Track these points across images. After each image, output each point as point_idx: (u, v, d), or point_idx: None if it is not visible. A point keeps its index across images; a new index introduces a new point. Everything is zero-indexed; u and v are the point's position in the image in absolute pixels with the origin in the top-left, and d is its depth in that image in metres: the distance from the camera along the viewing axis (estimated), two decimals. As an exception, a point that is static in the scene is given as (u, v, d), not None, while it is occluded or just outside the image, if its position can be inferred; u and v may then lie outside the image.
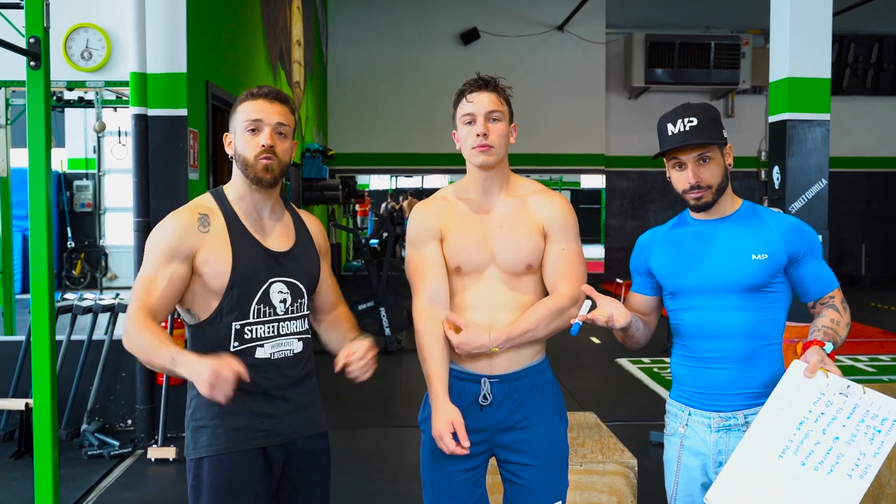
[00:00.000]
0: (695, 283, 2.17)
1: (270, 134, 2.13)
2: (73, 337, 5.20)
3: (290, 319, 2.19)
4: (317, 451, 2.26)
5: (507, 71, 2.53)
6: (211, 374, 1.86)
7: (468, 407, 2.23)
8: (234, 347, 2.10)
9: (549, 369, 2.33)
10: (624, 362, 7.61)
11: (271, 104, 2.16)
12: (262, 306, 2.13)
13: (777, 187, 5.74)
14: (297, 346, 2.20)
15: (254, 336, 2.13)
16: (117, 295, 5.67)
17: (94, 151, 8.91)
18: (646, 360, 7.63)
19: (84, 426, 5.06)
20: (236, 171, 2.19)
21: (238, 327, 2.11)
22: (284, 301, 2.17)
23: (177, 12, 5.13)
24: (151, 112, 5.11)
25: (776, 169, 5.75)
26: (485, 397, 2.24)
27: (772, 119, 5.81)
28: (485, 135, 2.19)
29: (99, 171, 8.74)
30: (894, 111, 14.75)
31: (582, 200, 15.26)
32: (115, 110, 7.02)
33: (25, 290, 6.73)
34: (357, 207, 16.77)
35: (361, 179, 17.41)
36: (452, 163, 12.66)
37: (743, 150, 13.71)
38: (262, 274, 2.14)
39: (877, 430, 1.92)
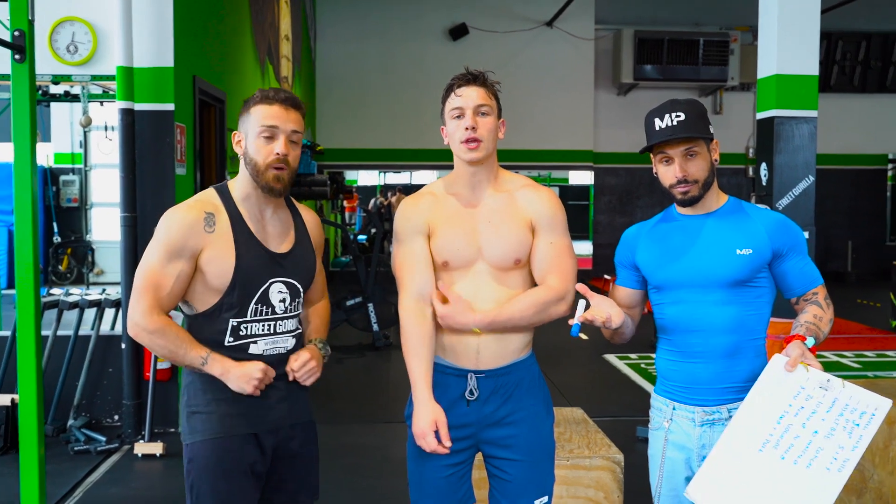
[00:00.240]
0: (679, 277, 2.18)
1: (285, 142, 2.16)
2: (60, 332, 5.17)
3: (287, 318, 2.25)
4: (305, 438, 2.32)
5: (495, 66, 2.54)
6: (262, 372, 2.14)
7: (454, 402, 2.23)
8: (227, 342, 2.16)
9: (536, 364, 2.34)
10: (611, 358, 7.63)
11: (287, 111, 2.17)
12: (260, 305, 2.19)
13: (764, 184, 5.76)
14: (290, 343, 2.26)
15: (249, 333, 2.18)
16: (104, 290, 5.65)
17: (81, 146, 8.85)
18: (633, 355, 7.65)
19: (70, 422, 5.04)
20: (244, 171, 2.22)
21: (234, 324, 2.16)
22: (283, 301, 2.23)
23: (163, 6, 5.10)
24: (138, 106, 5.08)
25: (763, 165, 5.77)
26: (471, 392, 2.24)
27: (760, 116, 5.83)
28: (473, 128, 2.18)
29: (85, 165, 8.68)
30: (881, 109, 14.84)
31: (570, 197, 15.24)
32: (102, 105, 6.98)
33: (11, 285, 6.69)
34: (345, 203, 16.73)
35: (350, 175, 17.35)
36: (441, 159, 12.63)
37: (731, 146, 13.81)
38: (263, 275, 2.19)
39: (855, 423, 1.93)
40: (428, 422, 2.16)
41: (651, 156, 2.21)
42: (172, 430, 5.15)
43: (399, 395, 5.96)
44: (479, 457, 2.35)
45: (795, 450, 1.94)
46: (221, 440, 2.16)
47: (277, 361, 2.22)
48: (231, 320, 2.16)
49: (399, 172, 17.97)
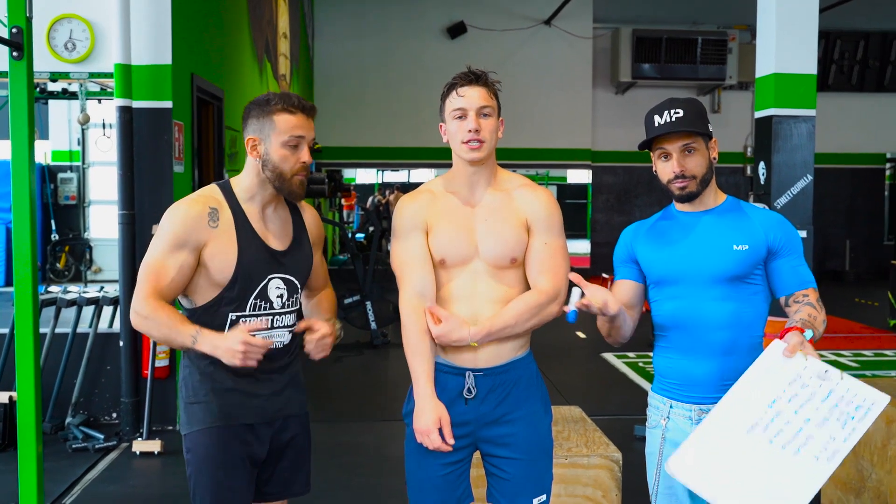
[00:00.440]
0: (676, 272, 2.19)
1: (308, 151, 2.23)
2: (58, 330, 5.17)
3: (284, 313, 2.29)
4: (299, 430, 2.38)
5: (494, 65, 2.53)
6: (242, 345, 2.04)
7: (452, 400, 2.23)
8: None
9: (534, 363, 2.34)
10: (609, 357, 7.64)
11: (308, 120, 2.25)
12: (259, 301, 2.24)
13: (763, 183, 5.77)
14: (287, 338, 2.32)
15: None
16: (102, 288, 5.65)
17: (79, 144, 8.83)
18: (631, 354, 7.66)
19: (68, 419, 5.04)
20: (253, 173, 2.25)
21: (234, 318, 2.21)
22: (281, 296, 2.28)
23: (161, 3, 5.10)
24: (136, 104, 5.08)
25: (762, 164, 5.78)
26: (469, 391, 2.24)
27: (758, 115, 5.83)
28: (476, 130, 2.19)
29: (83, 163, 8.67)
30: (879, 108, 14.84)
31: (568, 195, 15.28)
32: (100, 102, 6.98)
33: (9, 282, 6.69)
34: (343, 201, 16.74)
35: (348, 173, 17.37)
36: (439, 157, 12.66)
37: (729, 145, 13.80)
38: (262, 270, 2.23)
39: (850, 416, 1.91)
40: (432, 420, 2.16)
41: (651, 154, 2.22)
42: (171, 427, 5.15)
43: (397, 393, 5.96)
44: (477, 455, 2.35)
45: (784, 436, 1.91)
46: (220, 429, 2.21)
47: (274, 355, 2.27)
48: (231, 314, 2.21)
49: (397, 170, 17.98)
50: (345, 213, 17.37)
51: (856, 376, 2.02)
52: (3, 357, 5.05)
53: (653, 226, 2.31)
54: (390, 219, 2.47)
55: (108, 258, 8.35)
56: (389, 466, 4.39)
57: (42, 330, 4.31)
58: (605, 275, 11.80)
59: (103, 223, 8.52)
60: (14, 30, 3.55)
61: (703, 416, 2.16)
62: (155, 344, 4.97)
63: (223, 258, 2.17)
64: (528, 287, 2.27)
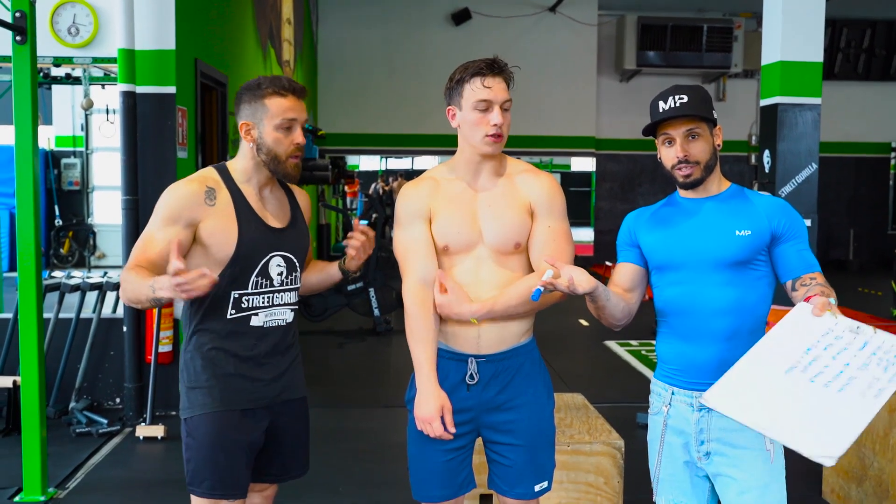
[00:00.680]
0: (678, 257, 2.18)
1: (301, 132, 2.26)
2: (61, 315, 5.18)
3: (284, 291, 2.33)
4: (297, 413, 2.41)
5: (498, 52, 2.52)
6: (173, 279, 1.90)
7: (455, 387, 2.24)
8: (230, 315, 2.25)
9: (537, 349, 2.34)
10: (612, 344, 7.65)
11: (300, 102, 2.27)
12: (260, 278, 2.26)
13: (767, 171, 5.75)
14: (289, 317, 2.35)
15: (250, 305, 2.26)
16: (105, 273, 5.65)
17: (82, 129, 8.84)
18: (633, 342, 7.66)
19: (72, 404, 5.05)
20: (248, 157, 2.28)
21: (236, 296, 2.24)
22: (281, 274, 2.31)
23: (165, -12, 5.08)
24: (140, 89, 5.06)
25: (766, 153, 5.76)
26: (472, 377, 2.24)
27: (763, 103, 5.81)
28: (501, 125, 2.19)
29: (87, 148, 8.68)
30: (885, 97, 14.78)
31: (572, 183, 15.22)
32: (103, 87, 6.96)
33: (13, 268, 6.70)
34: (347, 188, 16.72)
35: (351, 160, 17.34)
36: (443, 144, 12.61)
37: (734, 133, 13.76)
38: (263, 248, 2.26)
39: (891, 362, 1.83)
40: (435, 407, 2.16)
41: (655, 140, 2.21)
42: (174, 413, 5.17)
43: (400, 380, 5.97)
44: (479, 442, 2.36)
45: (826, 376, 1.83)
46: (220, 414, 2.23)
47: (276, 333, 2.31)
48: (233, 293, 2.23)
49: (401, 157, 17.94)
50: (348, 199, 17.36)
51: None
52: (7, 342, 5.06)
53: (656, 212, 2.30)
54: (393, 206, 2.47)
55: (111, 244, 8.37)
56: (392, 453, 4.40)
57: (46, 315, 4.32)
58: (608, 262, 11.80)
59: (107, 209, 8.54)
60: (17, 14, 3.54)
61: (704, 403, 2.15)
62: (158, 329, 4.98)
63: (223, 236, 2.19)
64: (531, 272, 2.26)
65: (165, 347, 5.08)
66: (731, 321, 2.14)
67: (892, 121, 14.82)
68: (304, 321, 8.13)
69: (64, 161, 8.88)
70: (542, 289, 2.00)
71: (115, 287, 5.23)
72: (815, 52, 5.58)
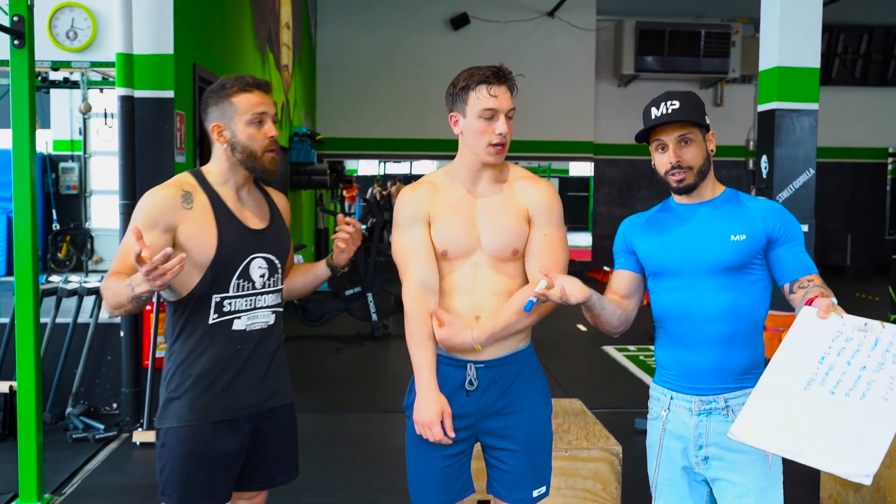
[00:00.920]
0: (674, 263, 2.18)
1: (273, 125, 2.25)
2: (58, 320, 5.17)
3: (266, 293, 2.30)
4: (283, 420, 2.38)
5: (496, 57, 2.53)
6: (143, 272, 1.90)
7: (454, 392, 2.24)
8: (212, 319, 2.22)
9: (534, 355, 2.34)
10: (610, 350, 7.64)
11: (266, 95, 2.26)
12: (241, 281, 2.24)
13: (765, 176, 5.75)
14: (271, 319, 2.32)
15: (232, 309, 2.24)
16: (102, 278, 5.64)
17: (80, 133, 8.82)
18: (631, 347, 7.66)
19: (69, 409, 5.04)
20: (222, 158, 2.27)
21: (218, 300, 2.21)
22: (263, 275, 2.29)
23: (164, -7, 5.07)
24: (138, 94, 5.06)
25: (764, 158, 5.76)
26: (470, 382, 2.24)
27: (760, 108, 5.81)
28: (505, 135, 2.19)
29: (85, 153, 8.66)
30: (882, 102, 14.80)
31: (570, 188, 15.23)
32: (101, 91, 6.95)
33: (10, 272, 6.68)
34: (345, 193, 16.73)
35: (350, 164, 17.34)
36: (441, 149, 12.62)
37: (731, 139, 13.79)
38: (244, 250, 2.24)
39: None
40: (435, 412, 2.16)
41: (649, 147, 2.22)
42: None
43: (398, 384, 5.97)
44: (477, 447, 2.36)
45: (844, 385, 1.82)
46: (194, 427, 2.21)
47: (259, 336, 2.28)
48: (214, 296, 2.21)
49: (399, 162, 17.94)
50: (346, 204, 17.37)
51: None
52: (4, 347, 5.05)
53: (651, 217, 2.30)
54: (392, 210, 2.47)
55: (109, 248, 8.35)
56: (390, 458, 4.39)
57: (43, 320, 4.31)
58: (605, 268, 11.79)
59: (105, 213, 8.52)
60: (15, 18, 3.54)
61: (703, 408, 2.16)
62: (156, 334, 4.97)
63: (202, 238, 2.17)
64: (528, 278, 2.26)
65: (163, 353, 5.06)
66: (728, 326, 2.14)
67: (889, 126, 14.84)
68: (302, 326, 8.12)
69: (62, 165, 8.86)
70: (534, 300, 2.02)
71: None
72: (812, 57, 5.58)
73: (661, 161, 2.18)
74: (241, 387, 2.25)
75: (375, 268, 8.22)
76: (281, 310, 2.37)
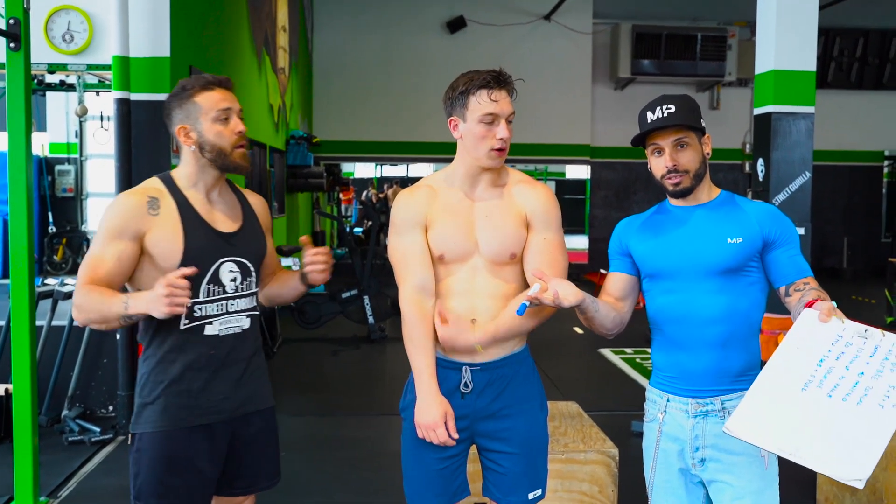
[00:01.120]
0: (670, 265, 2.19)
1: (239, 120, 2.23)
2: (54, 322, 5.16)
3: (239, 297, 2.27)
4: (262, 425, 2.35)
5: (493, 60, 2.53)
6: (166, 289, 1.95)
7: (449, 394, 2.23)
8: (183, 325, 2.19)
9: (530, 358, 2.34)
10: (606, 352, 7.64)
11: (229, 92, 2.25)
12: (211, 286, 2.21)
13: (761, 179, 5.76)
14: (245, 323, 2.29)
15: (203, 314, 2.21)
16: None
17: (76, 136, 8.81)
18: (628, 350, 7.66)
19: (65, 412, 5.03)
20: (191, 161, 2.24)
21: (188, 305, 2.15)
22: (234, 280, 2.26)
23: (160, -5, 5.07)
24: (134, 96, 5.06)
25: (760, 161, 5.77)
26: (466, 385, 2.24)
27: (757, 111, 5.82)
28: (506, 140, 2.19)
29: (81, 155, 8.65)
30: (878, 105, 14.84)
31: (567, 191, 15.27)
32: (98, 94, 6.96)
33: (5, 275, 6.67)
34: (341, 195, 16.74)
35: (346, 167, 17.36)
36: (438, 151, 12.62)
37: (728, 142, 13.79)
38: (212, 254, 2.21)
39: None
40: (438, 414, 2.16)
41: (645, 151, 2.22)
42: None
43: (395, 387, 5.96)
44: (473, 450, 2.35)
45: (842, 389, 1.82)
46: (168, 433, 2.19)
47: (233, 341, 2.25)
48: None
49: (396, 165, 17.95)
50: (343, 206, 17.37)
51: None
52: (0, 349, 5.04)
53: (647, 220, 2.31)
54: (388, 213, 2.46)
55: (105, 251, 8.32)
56: (386, 460, 4.39)
57: (38, 322, 4.30)
58: (602, 271, 11.79)
59: (101, 216, 8.51)
60: (11, 21, 3.53)
61: (700, 410, 2.16)
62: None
63: (168, 245, 2.14)
64: (525, 282, 2.26)
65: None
66: (724, 328, 2.14)
67: (885, 129, 14.88)
68: (299, 328, 8.11)
69: (58, 168, 8.85)
70: (527, 303, 2.02)
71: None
72: (808, 61, 5.59)
73: (658, 165, 2.18)
74: (215, 392, 2.22)
75: (372, 271, 8.22)
76: (257, 313, 2.33)
